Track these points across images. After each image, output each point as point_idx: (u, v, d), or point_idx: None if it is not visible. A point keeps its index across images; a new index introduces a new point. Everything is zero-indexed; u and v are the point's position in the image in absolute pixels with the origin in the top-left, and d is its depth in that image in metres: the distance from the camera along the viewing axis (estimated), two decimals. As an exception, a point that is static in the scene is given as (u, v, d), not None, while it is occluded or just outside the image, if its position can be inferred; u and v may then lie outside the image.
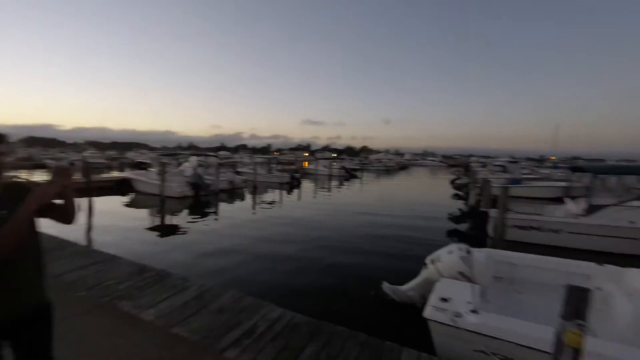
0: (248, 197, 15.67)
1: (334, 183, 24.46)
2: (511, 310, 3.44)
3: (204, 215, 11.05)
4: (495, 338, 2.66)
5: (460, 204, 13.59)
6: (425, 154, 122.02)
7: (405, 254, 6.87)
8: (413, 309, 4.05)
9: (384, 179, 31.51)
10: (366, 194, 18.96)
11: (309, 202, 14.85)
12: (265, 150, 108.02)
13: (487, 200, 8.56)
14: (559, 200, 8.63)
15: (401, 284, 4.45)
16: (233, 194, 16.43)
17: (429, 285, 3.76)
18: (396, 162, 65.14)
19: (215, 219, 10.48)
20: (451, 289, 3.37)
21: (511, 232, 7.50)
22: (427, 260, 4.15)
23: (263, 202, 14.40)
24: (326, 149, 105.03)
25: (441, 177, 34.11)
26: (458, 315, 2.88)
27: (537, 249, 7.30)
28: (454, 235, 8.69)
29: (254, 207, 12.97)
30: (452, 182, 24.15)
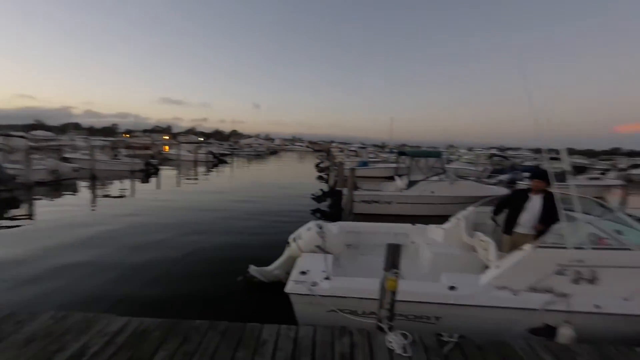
0: (84, 190, 12.48)
1: (201, 169, 22.62)
2: (360, 270, 4.15)
3: (11, 218, 8.12)
4: (342, 297, 3.15)
5: (323, 185, 15.21)
6: (294, 140, 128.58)
7: (273, 235, 7.15)
8: (281, 287, 4.30)
9: (255, 164, 31.48)
10: (235, 180, 18.49)
11: (170, 192, 13.22)
12: (109, 131, 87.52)
13: (341, 180, 9.87)
14: (392, 179, 10.92)
15: (268, 265, 4.62)
16: (58, 186, 12.70)
17: (292, 262, 4.04)
18: (267, 147, 66.08)
19: (29, 222, 7.87)
20: (309, 262, 3.74)
21: (359, 206, 9.01)
22: (290, 239, 4.43)
23: (108, 195, 11.80)
24: (191, 132, 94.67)
25: (308, 161, 37.02)
26: (314, 284, 3.23)
27: (378, 218, 9.04)
28: (317, 214, 9.68)
29: (93, 202, 10.46)
30: (317, 165, 26.56)
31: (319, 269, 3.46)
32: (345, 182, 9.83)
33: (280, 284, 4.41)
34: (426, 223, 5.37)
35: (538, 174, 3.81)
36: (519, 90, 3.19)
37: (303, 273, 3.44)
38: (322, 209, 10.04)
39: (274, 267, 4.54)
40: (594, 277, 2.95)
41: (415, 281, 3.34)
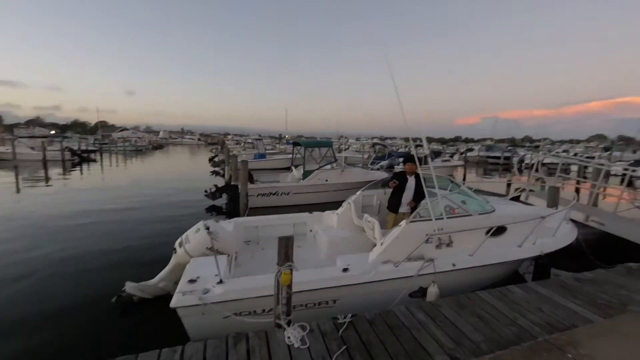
0: None
1: (56, 171, 17.85)
2: (261, 266, 3.98)
3: None
4: (238, 299, 2.93)
5: (218, 180, 14.16)
6: (183, 132, 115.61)
7: (157, 243, 6.23)
8: (168, 300, 3.74)
9: (135, 161, 26.85)
10: (109, 181, 15.32)
11: (4, 203, 9.88)
12: None
13: (236, 174, 9.38)
14: (289, 169, 11.05)
15: (152, 278, 3.95)
16: None
17: (181, 270, 3.55)
18: (150, 141, 57.36)
19: None
20: (200, 267, 3.35)
21: (257, 200, 8.77)
22: (176, 244, 3.89)
23: None
24: (35, 122, 73.08)
25: (201, 156, 33.98)
26: (206, 291, 2.90)
27: (277, 210, 8.97)
28: (213, 212, 8.95)
29: None
30: (211, 159, 24.64)
31: (211, 274, 3.13)
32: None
33: (168, 297, 3.84)
34: (322, 210, 5.62)
35: (410, 158, 4.45)
36: (391, 88, 3.63)
37: (192, 281, 3.06)
38: (218, 205, 9.36)
39: (159, 279, 3.92)
40: (450, 241, 3.66)
41: (310, 269, 3.42)
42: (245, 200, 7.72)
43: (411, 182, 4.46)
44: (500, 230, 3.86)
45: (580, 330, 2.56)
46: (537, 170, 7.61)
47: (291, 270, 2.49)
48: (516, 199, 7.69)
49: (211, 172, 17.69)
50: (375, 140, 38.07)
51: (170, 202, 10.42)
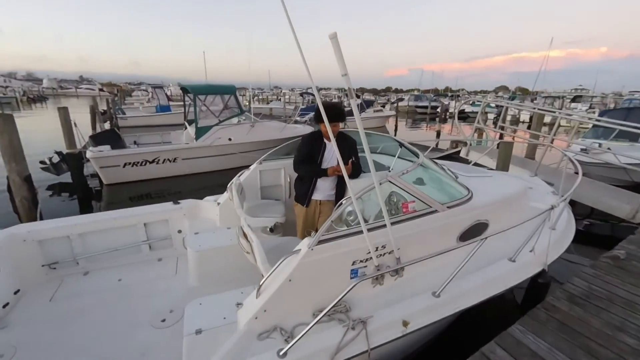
0: None
1: None
2: (80, 322, 2.25)
3: None
4: None
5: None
6: (81, 81, 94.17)
7: None
8: None
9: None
10: None
11: None
12: None
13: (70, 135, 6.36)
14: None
15: None
16: None
17: None
18: (25, 92, 44.82)
19: None
20: None
21: (123, 173, 6.10)
22: None
23: None
24: None
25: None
26: None
27: (157, 183, 6.57)
28: (58, 193, 6.05)
29: None
30: (103, 113, 19.38)
31: None
32: (102, 136, 6.46)
33: None
34: (226, 179, 3.33)
35: (334, 115, 2.29)
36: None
37: None
38: (67, 182, 6.42)
39: None
40: (399, 267, 1.85)
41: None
42: (103, 175, 5.03)
43: (331, 149, 2.46)
44: (478, 229, 2.21)
45: None
46: (479, 121, 6.42)
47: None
48: (456, 154, 6.58)
49: (92, 134, 13.37)
50: (303, 90, 35.16)
51: None
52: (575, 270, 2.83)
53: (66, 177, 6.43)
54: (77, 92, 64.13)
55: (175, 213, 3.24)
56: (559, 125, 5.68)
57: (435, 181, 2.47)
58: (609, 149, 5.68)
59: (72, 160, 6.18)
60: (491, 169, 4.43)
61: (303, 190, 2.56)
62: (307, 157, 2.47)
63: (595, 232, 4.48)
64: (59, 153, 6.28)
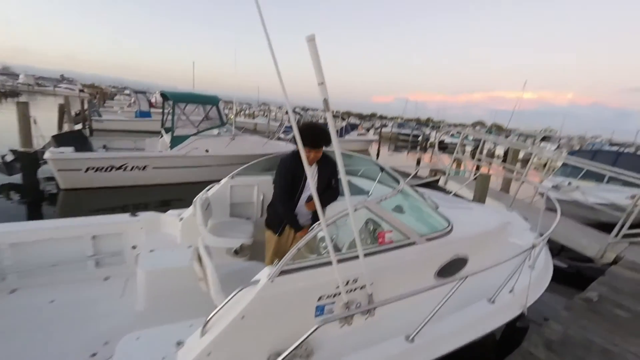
0: None
1: None
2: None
3: None
4: None
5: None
6: (62, 80, 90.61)
7: None
8: None
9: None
10: None
11: None
12: None
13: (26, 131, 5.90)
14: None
15: None
16: None
17: None
18: (-3, 85, 42.41)
19: None
20: None
21: (86, 178, 5.64)
22: None
23: None
24: None
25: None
26: None
27: (123, 192, 6.12)
28: (10, 195, 5.47)
29: None
30: (76, 115, 18.51)
31: None
32: (66, 137, 6.02)
33: None
34: (197, 192, 3.07)
35: (315, 140, 2.07)
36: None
37: None
38: (18, 184, 5.84)
39: None
40: (371, 306, 1.64)
41: None
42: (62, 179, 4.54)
43: (313, 173, 2.24)
44: (457, 265, 2.06)
45: None
46: (458, 151, 6.54)
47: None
48: (435, 183, 6.61)
49: (55, 135, 12.61)
50: (298, 110, 35.43)
51: None
52: (549, 311, 2.75)
53: (18, 178, 5.86)
54: (55, 90, 61.44)
55: (132, 226, 2.90)
56: (530, 163, 5.87)
57: (414, 210, 2.33)
58: (577, 187, 5.91)
59: (26, 160, 5.65)
60: (469, 201, 4.42)
61: (277, 217, 2.29)
62: (287, 192, 2.20)
63: (566, 270, 4.50)
64: (14, 151, 5.75)
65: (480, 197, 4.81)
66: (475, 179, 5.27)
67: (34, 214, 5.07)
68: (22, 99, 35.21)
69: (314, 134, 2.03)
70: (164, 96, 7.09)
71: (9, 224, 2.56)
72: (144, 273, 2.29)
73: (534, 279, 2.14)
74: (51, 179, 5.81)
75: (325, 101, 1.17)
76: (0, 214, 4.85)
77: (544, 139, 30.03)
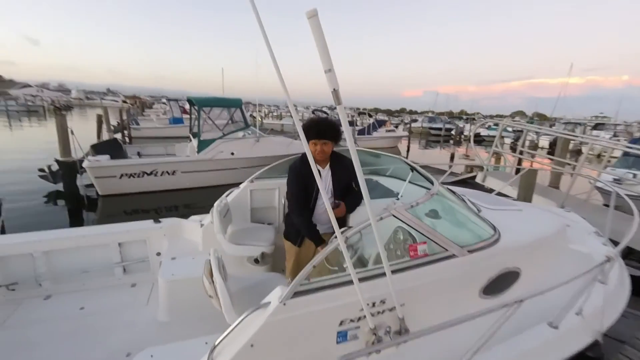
0: None
1: None
2: None
3: None
4: None
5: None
6: (108, 92, 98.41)
7: None
8: None
9: (19, 125, 20.66)
10: None
11: None
12: None
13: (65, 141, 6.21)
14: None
15: None
16: None
17: None
18: (54, 101, 47.02)
19: None
20: None
21: (120, 184, 5.89)
22: None
23: None
24: None
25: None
26: None
27: (154, 197, 6.31)
28: (55, 201, 5.87)
29: None
30: (117, 124, 19.85)
31: None
32: (106, 146, 6.33)
33: None
34: (215, 196, 3.01)
35: (319, 131, 1.90)
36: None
37: None
38: (64, 192, 6.24)
39: None
40: (404, 329, 1.38)
41: None
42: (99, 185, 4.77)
43: (326, 177, 2.05)
44: (507, 280, 1.72)
45: None
46: (497, 145, 5.95)
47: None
48: (472, 179, 6.09)
49: (94, 144, 13.53)
50: (324, 109, 35.36)
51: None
52: (626, 330, 2.29)
53: (61, 186, 6.27)
54: (102, 103, 67.23)
55: (155, 233, 2.88)
56: (586, 153, 5.16)
57: (452, 215, 2.00)
58: (645, 180, 5.11)
59: (66, 169, 6.02)
60: (513, 199, 3.93)
61: (295, 229, 2.09)
62: (301, 199, 2.01)
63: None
64: (58, 161, 6.16)
65: (526, 194, 4.29)
66: (517, 173, 4.72)
67: (75, 218, 5.37)
68: (74, 112, 38.58)
69: (317, 124, 1.88)
70: (190, 102, 7.25)
71: (41, 233, 2.63)
72: (164, 282, 2.23)
73: (608, 296, 1.74)
74: (91, 185, 6.16)
75: (335, 92, 0.94)
76: (49, 219, 5.20)
77: (595, 126, 27.19)
